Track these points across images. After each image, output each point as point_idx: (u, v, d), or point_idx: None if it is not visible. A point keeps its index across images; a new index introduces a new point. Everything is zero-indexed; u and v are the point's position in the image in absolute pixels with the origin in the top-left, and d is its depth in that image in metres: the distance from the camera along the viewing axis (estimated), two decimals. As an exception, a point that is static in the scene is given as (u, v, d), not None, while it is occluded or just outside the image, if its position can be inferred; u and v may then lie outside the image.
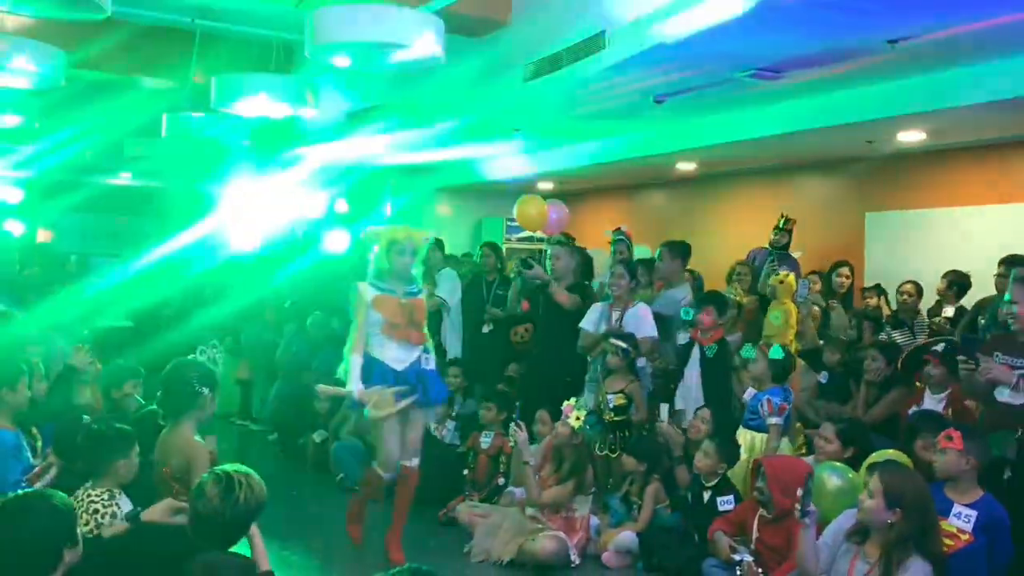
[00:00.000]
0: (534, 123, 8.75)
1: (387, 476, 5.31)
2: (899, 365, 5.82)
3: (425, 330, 5.31)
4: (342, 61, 5.77)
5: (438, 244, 8.53)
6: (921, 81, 6.65)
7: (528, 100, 7.32)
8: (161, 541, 3.32)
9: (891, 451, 4.80)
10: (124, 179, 14.19)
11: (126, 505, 3.72)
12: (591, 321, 6.58)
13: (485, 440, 6.53)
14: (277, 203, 11.56)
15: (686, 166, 10.21)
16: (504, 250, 10.67)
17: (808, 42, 5.77)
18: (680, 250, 7.15)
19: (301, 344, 9.14)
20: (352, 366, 5.09)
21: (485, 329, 7.81)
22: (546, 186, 12.06)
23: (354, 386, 5.05)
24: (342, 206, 12.76)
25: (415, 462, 5.34)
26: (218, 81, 7.24)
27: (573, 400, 5.68)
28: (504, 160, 10.94)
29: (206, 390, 4.11)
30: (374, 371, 5.09)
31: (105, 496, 3.73)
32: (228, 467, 3.25)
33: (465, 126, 8.58)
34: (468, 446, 6.65)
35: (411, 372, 5.15)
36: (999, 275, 6.38)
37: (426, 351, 5.28)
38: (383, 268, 5.18)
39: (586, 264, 7.36)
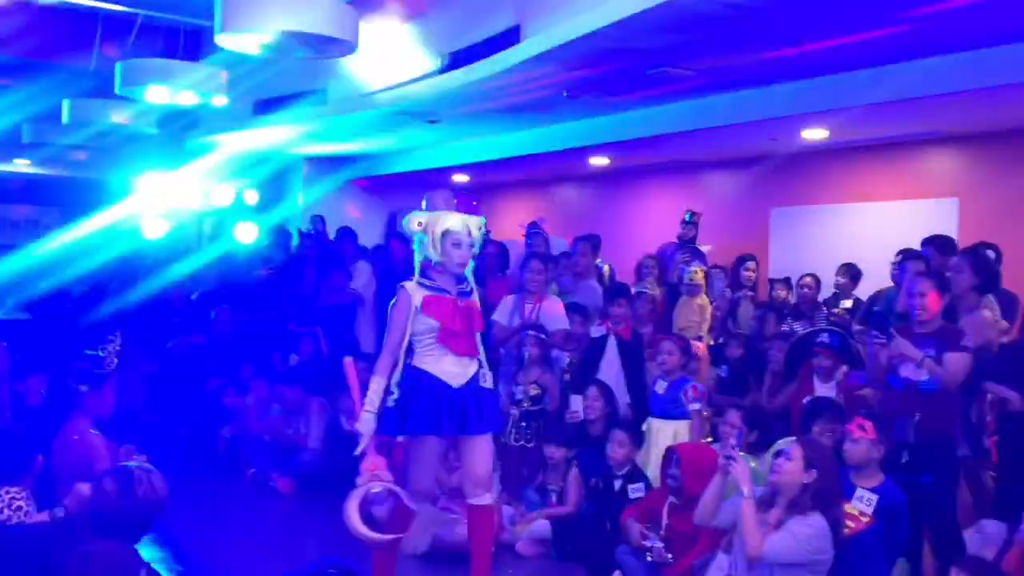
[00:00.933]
0: (449, 115, 8.74)
1: (418, 509, 4.36)
2: (785, 356, 6.00)
3: (479, 341, 4.39)
4: (250, 47, 5.66)
5: (350, 236, 8.48)
6: (824, 80, 6.87)
7: (443, 91, 7.31)
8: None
9: (791, 438, 4.98)
10: (21, 167, 13.65)
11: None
12: (504, 314, 6.61)
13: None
14: (184, 193, 11.28)
15: (599, 160, 10.33)
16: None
17: (716, 39, 5.90)
18: (595, 243, 7.28)
19: (208, 337, 8.95)
20: (370, 395, 4.16)
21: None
22: (460, 178, 12.06)
23: (365, 431, 4.16)
24: (251, 197, 12.53)
25: (487, 498, 4.35)
26: (122, 67, 7.03)
27: None
28: (418, 152, 10.91)
29: (84, 388, 4.05)
30: (422, 386, 4.16)
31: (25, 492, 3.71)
32: (130, 463, 3.19)
33: (379, 116, 8.52)
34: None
35: (468, 391, 4.22)
36: (895, 264, 6.69)
37: (482, 365, 4.35)
38: (434, 262, 4.23)
39: (501, 256, 7.41)
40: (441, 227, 4.15)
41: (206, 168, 11.00)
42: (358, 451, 4.18)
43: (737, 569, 4.10)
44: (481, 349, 4.35)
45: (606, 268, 8.14)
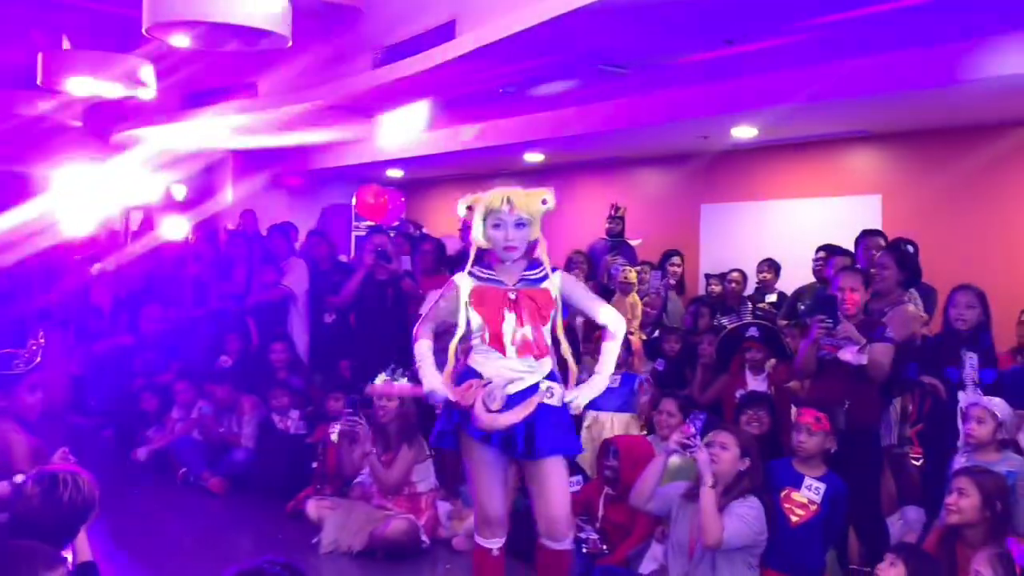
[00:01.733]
0: (383, 110, 8.68)
1: (493, 545, 3.69)
2: (716, 350, 6.13)
3: (550, 340, 3.62)
4: (182, 40, 5.56)
5: (283, 232, 8.37)
6: (754, 79, 7.02)
7: (377, 86, 7.26)
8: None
9: (721, 429, 5.11)
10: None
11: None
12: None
13: (333, 431, 6.41)
14: (111, 187, 11.01)
15: (533, 157, 10.38)
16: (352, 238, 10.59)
17: (650, 39, 5.98)
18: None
19: (135, 335, 8.75)
20: (418, 358, 3.65)
21: (327, 319, 7.67)
22: (395, 174, 12.00)
23: (436, 385, 3.58)
24: (179, 192, 12.30)
25: (565, 543, 3.64)
26: (45, 57, 6.83)
27: (382, 376, 5.65)
28: (352, 147, 10.82)
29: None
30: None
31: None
32: (55, 466, 3.11)
33: (312, 110, 8.43)
34: (316, 439, 6.52)
35: (519, 401, 3.50)
36: (817, 260, 6.89)
37: (552, 377, 3.60)
38: (481, 248, 3.67)
39: (439, 252, 7.42)
40: (483, 208, 3.59)
41: (133, 162, 10.75)
42: (451, 397, 3.54)
43: (670, 558, 4.19)
44: (557, 353, 3.62)
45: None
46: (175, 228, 10.79)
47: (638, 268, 7.35)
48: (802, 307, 6.74)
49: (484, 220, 3.56)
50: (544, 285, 3.59)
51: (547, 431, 3.46)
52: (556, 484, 3.54)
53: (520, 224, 3.53)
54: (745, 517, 4.00)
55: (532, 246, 3.63)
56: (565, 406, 3.55)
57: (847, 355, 4.71)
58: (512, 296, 3.56)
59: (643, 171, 10.26)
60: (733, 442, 4.12)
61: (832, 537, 4.41)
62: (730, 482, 4.06)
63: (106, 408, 8.61)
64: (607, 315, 3.66)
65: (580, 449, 3.63)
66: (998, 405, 4.44)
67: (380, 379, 5.63)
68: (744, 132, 8.30)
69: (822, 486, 4.28)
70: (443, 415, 3.68)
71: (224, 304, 8.20)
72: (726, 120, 7.77)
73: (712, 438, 4.17)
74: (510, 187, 3.63)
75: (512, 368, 3.52)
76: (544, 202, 3.59)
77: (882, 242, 5.87)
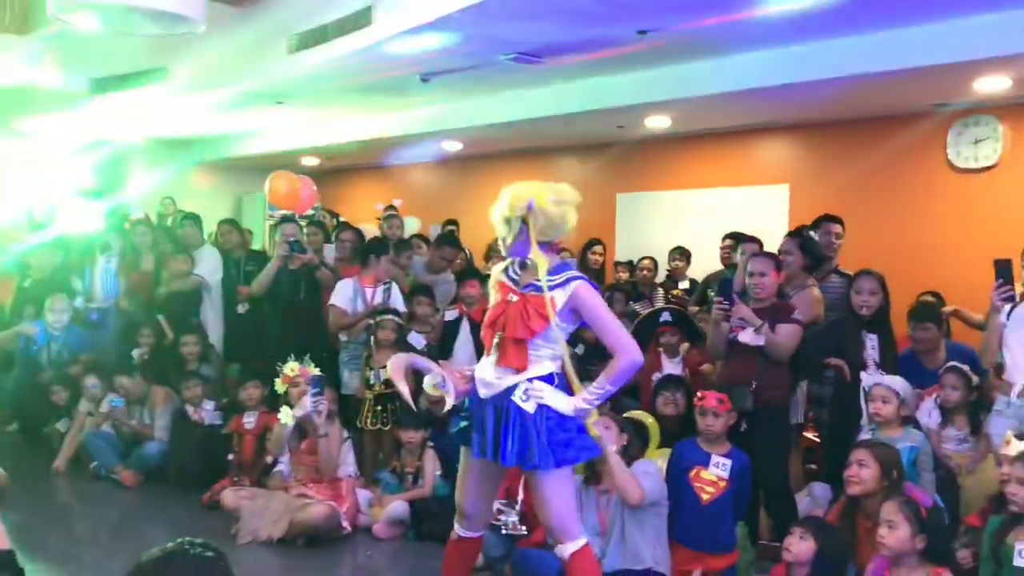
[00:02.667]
0: (298, 97, 8.59)
1: (466, 534, 3.75)
2: (631, 335, 6.26)
3: (539, 351, 3.41)
4: (88, 23, 5.40)
5: (195, 221, 8.21)
6: (667, 71, 7.17)
7: (292, 73, 7.18)
8: None
9: (638, 411, 5.24)
10: None
11: None
12: (345, 299, 6.57)
13: (249, 421, 6.35)
14: (13, 175, 10.63)
15: (452, 146, 10.40)
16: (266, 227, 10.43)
17: (565, 29, 6.06)
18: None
19: (40, 327, 8.46)
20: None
21: (240, 309, 7.57)
22: (310, 162, 11.87)
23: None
24: (87, 180, 11.92)
25: (567, 548, 3.48)
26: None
27: (290, 366, 5.64)
28: (266, 134, 10.67)
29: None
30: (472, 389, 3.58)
31: None
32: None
33: (225, 97, 8.28)
34: (231, 429, 6.44)
35: (490, 408, 3.45)
36: (724, 248, 7.10)
37: (531, 381, 3.40)
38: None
39: (359, 240, 7.40)
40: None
41: (39, 149, 10.40)
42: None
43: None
44: (545, 361, 3.42)
45: (467, 252, 8.34)
46: (83, 217, 10.47)
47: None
48: (712, 293, 6.93)
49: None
50: (552, 294, 3.36)
51: (514, 439, 3.35)
52: (541, 495, 3.45)
53: (507, 221, 3.40)
54: (649, 473, 4.32)
55: (554, 247, 3.48)
56: (548, 417, 3.36)
57: (745, 336, 4.87)
58: (513, 299, 3.44)
59: (561, 160, 10.38)
60: (612, 424, 4.40)
61: (740, 510, 4.57)
62: (623, 457, 4.35)
63: (10, 402, 8.34)
64: (610, 343, 3.41)
65: (549, 465, 3.32)
66: (899, 384, 4.67)
67: (290, 367, 5.61)
68: (658, 122, 8.46)
69: (728, 462, 4.45)
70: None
71: (134, 294, 8.00)
72: (640, 110, 7.91)
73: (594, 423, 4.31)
74: (539, 182, 3.46)
75: (491, 373, 3.45)
76: (529, 207, 3.34)
77: (840, 228, 6.05)
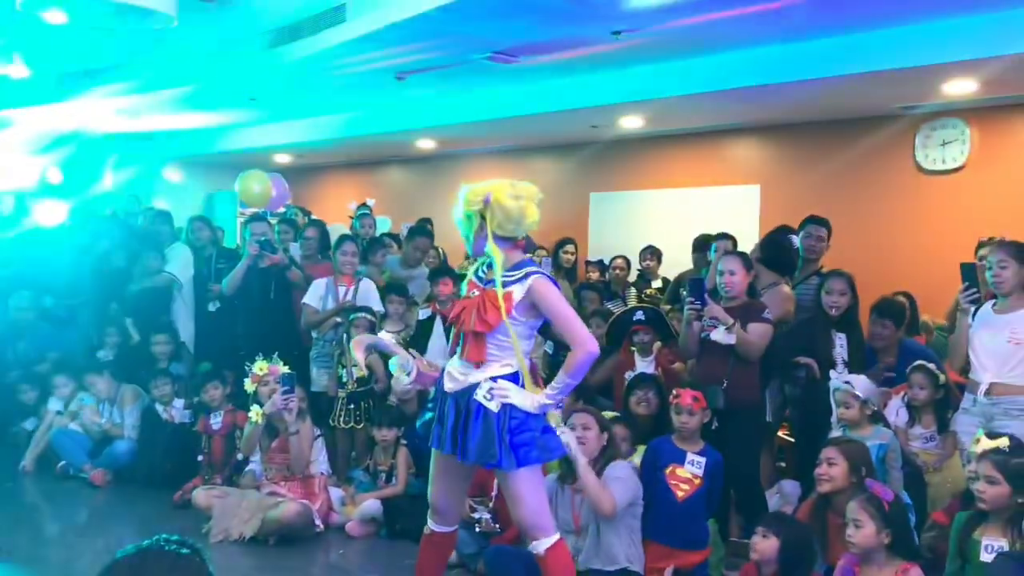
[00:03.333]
0: (272, 94, 8.55)
1: (439, 529, 3.74)
2: (606, 334, 6.29)
3: (502, 347, 3.44)
4: (57, 16, 5.35)
5: (165, 218, 8.13)
6: (640, 71, 7.21)
7: (266, 70, 7.14)
8: None
9: (609, 412, 5.26)
10: None
11: None
12: (316, 297, 6.56)
13: (215, 421, 6.31)
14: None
15: (425, 144, 10.39)
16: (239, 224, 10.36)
17: (540, 28, 6.07)
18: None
19: (5, 326, 8.35)
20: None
21: (211, 307, 7.51)
22: (283, 159, 11.81)
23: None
24: (55, 175, 11.79)
25: (541, 544, 3.47)
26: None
27: (259, 365, 5.62)
28: (239, 131, 10.60)
29: None
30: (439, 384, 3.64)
31: None
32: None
33: (197, 93, 8.22)
34: (199, 431, 6.38)
35: (451, 403, 3.49)
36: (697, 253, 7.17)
37: (495, 380, 3.42)
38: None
39: (322, 238, 7.39)
40: None
41: (6, 144, 10.25)
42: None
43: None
44: (508, 359, 3.43)
45: (440, 250, 8.34)
46: (50, 213, 10.35)
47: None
48: (684, 292, 6.98)
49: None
50: (511, 288, 3.40)
51: (475, 437, 3.36)
52: (511, 493, 3.47)
53: (467, 217, 3.44)
54: (622, 478, 4.28)
55: (518, 244, 3.50)
56: (513, 417, 3.35)
57: (717, 335, 4.92)
58: (474, 294, 3.49)
59: (535, 159, 10.40)
60: (593, 422, 4.38)
61: (712, 507, 4.61)
62: (596, 456, 4.32)
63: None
64: (567, 336, 3.45)
65: (511, 465, 3.32)
66: (860, 385, 4.72)
67: (259, 366, 5.59)
68: (631, 122, 8.50)
69: (703, 460, 4.49)
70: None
71: (103, 292, 7.92)
72: (614, 110, 7.95)
73: (575, 421, 4.35)
74: (499, 179, 3.48)
75: (456, 368, 3.49)
76: (486, 201, 3.37)
77: (824, 231, 6.07)
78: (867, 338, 5.48)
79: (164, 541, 1.96)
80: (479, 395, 3.38)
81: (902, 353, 5.41)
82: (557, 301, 3.43)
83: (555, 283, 3.53)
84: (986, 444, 3.65)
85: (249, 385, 5.63)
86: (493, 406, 3.36)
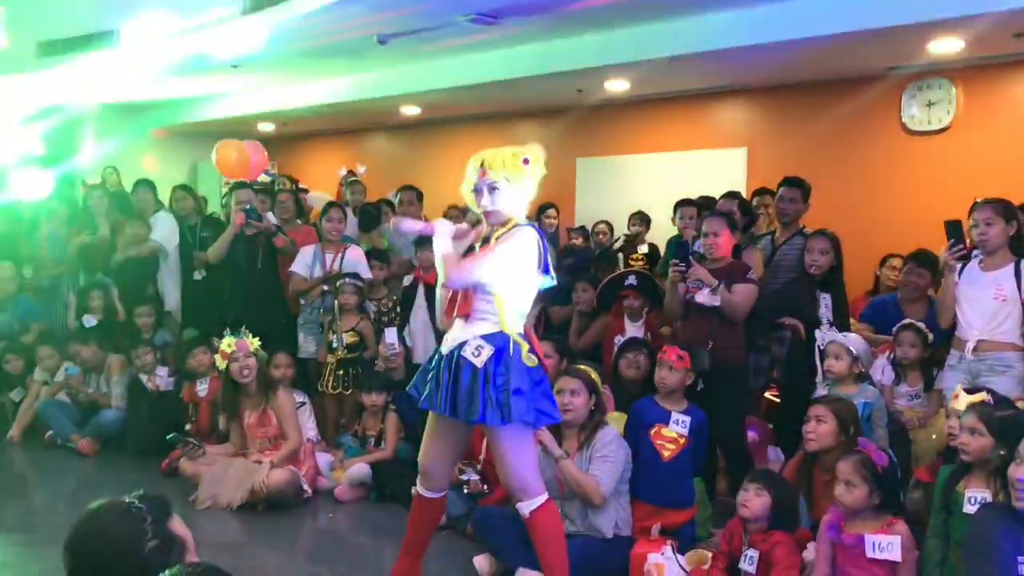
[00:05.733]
0: (253, 61, 8.44)
1: (428, 494, 3.75)
2: (597, 298, 6.29)
3: (487, 304, 3.43)
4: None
5: (150, 187, 8.07)
6: (626, 33, 7.15)
7: (246, 35, 7.04)
8: None
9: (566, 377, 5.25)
10: None
11: None
12: (304, 264, 6.57)
13: (202, 388, 6.30)
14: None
15: (410, 110, 10.31)
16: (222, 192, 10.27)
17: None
18: (419, 193, 7.66)
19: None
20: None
21: (197, 275, 7.46)
22: (267, 128, 11.71)
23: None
24: (36, 147, 11.64)
25: (527, 505, 3.51)
26: None
27: (226, 341, 5.61)
28: (222, 100, 10.49)
29: None
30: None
31: None
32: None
33: (178, 62, 8.11)
34: (185, 400, 6.37)
35: (445, 362, 3.46)
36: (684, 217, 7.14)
37: (494, 339, 3.40)
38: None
39: (296, 202, 7.45)
40: (467, 180, 3.52)
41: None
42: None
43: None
44: (492, 319, 3.41)
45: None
46: (32, 185, 10.24)
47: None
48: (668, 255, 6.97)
49: (471, 189, 3.48)
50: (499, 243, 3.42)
51: (464, 394, 3.35)
52: (500, 452, 3.47)
53: (493, 187, 3.42)
54: (608, 456, 4.18)
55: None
56: (497, 374, 3.34)
57: (702, 297, 4.92)
58: (467, 252, 3.52)
59: (521, 124, 10.33)
60: (581, 386, 4.28)
61: (698, 465, 4.63)
62: (583, 421, 4.26)
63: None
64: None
65: (496, 419, 3.32)
66: (853, 341, 4.74)
67: (226, 343, 5.56)
68: (617, 86, 8.45)
69: (687, 419, 4.50)
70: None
71: (90, 261, 7.87)
72: (599, 73, 7.89)
73: (562, 385, 4.27)
74: (501, 147, 3.48)
75: (458, 324, 3.46)
76: (526, 162, 3.42)
77: (798, 192, 6.05)
78: (900, 287, 5.58)
79: (134, 497, 2.00)
80: (466, 352, 3.38)
81: (876, 306, 5.43)
82: (505, 243, 3.40)
83: (543, 240, 3.51)
84: (964, 400, 3.67)
85: (220, 362, 5.60)
86: (478, 362, 3.35)
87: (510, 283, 3.43)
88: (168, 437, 5.64)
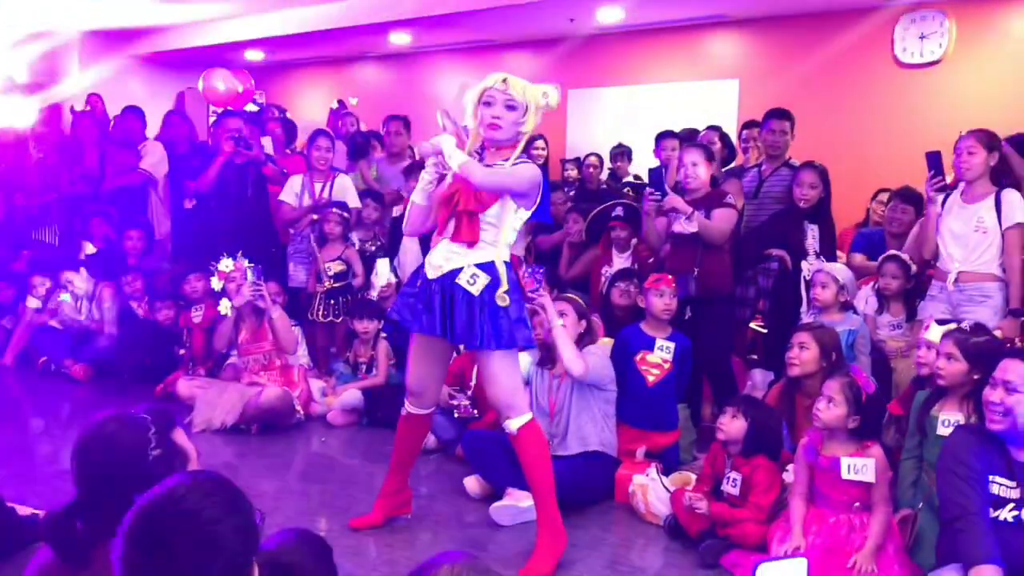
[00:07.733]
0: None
1: (415, 411, 3.82)
2: (586, 230, 6.34)
3: (488, 232, 3.48)
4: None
5: (138, 114, 8.02)
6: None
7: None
8: None
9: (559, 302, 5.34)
10: None
11: None
12: (292, 193, 6.58)
13: (197, 315, 6.35)
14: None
15: (399, 38, 10.19)
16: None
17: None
18: (406, 122, 7.43)
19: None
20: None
21: (187, 204, 7.45)
22: (255, 56, 11.55)
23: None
24: (20, 74, 11.50)
25: (514, 422, 3.56)
26: None
27: (224, 262, 5.65)
28: (208, 26, 10.34)
29: None
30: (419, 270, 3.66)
31: None
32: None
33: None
34: (181, 325, 6.43)
35: (439, 286, 3.47)
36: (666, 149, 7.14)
37: (488, 267, 3.46)
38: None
39: (288, 132, 7.37)
40: (479, 88, 3.49)
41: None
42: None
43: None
44: (488, 247, 3.47)
45: (416, 150, 8.20)
46: (16, 113, 10.14)
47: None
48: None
49: (479, 99, 3.47)
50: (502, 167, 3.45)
51: (461, 319, 3.40)
52: (488, 372, 3.56)
53: (510, 106, 3.43)
54: (596, 355, 4.36)
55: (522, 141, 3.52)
56: (491, 299, 3.41)
57: (678, 226, 4.97)
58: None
59: (512, 55, 10.23)
60: (571, 309, 4.40)
61: (682, 390, 4.75)
62: (576, 339, 4.36)
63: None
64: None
65: (495, 345, 3.41)
66: (839, 271, 4.81)
67: (224, 264, 5.60)
68: (609, 15, 8.36)
69: (672, 344, 4.60)
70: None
71: (78, 189, 7.85)
72: (592, 0, 7.81)
73: (555, 308, 4.36)
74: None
75: (443, 250, 3.48)
76: (545, 95, 3.46)
77: (787, 124, 6.04)
78: (884, 223, 5.58)
79: (145, 410, 2.07)
80: (461, 280, 3.43)
81: (862, 239, 5.49)
82: (513, 167, 3.46)
83: (544, 175, 3.57)
84: (935, 331, 3.76)
85: (216, 283, 5.65)
86: (474, 291, 3.42)
87: (514, 211, 3.50)
88: None
